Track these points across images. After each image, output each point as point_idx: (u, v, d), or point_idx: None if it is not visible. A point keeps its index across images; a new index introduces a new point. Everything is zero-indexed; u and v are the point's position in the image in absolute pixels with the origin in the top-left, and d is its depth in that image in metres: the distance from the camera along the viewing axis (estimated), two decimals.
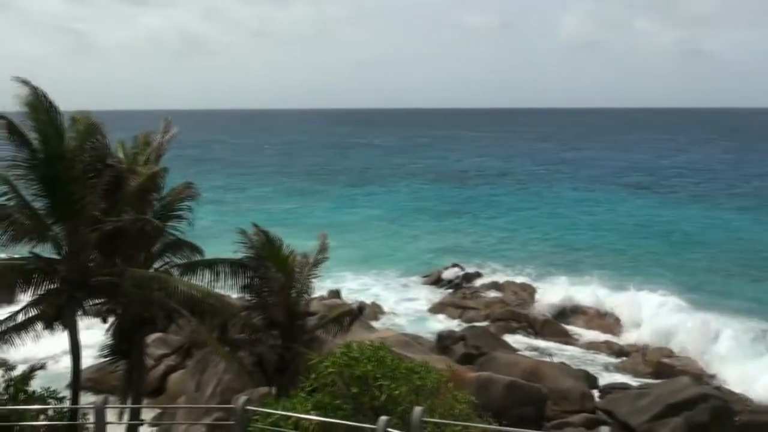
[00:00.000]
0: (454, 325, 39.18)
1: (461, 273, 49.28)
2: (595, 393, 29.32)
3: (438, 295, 46.35)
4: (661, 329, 36.28)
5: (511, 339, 36.47)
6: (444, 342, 33.74)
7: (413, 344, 30.09)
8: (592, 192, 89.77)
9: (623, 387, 29.68)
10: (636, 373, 32.84)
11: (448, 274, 49.58)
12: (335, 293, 41.82)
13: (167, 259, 19.46)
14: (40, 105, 16.58)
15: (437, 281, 49.11)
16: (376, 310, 41.08)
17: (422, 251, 57.93)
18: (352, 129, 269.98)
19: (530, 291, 44.52)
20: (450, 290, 47.01)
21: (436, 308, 43.16)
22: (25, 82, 16.46)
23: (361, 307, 23.67)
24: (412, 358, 18.03)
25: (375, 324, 36.59)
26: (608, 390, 29.60)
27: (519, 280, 47.00)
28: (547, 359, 32.84)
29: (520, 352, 33.54)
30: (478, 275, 48.89)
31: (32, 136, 16.64)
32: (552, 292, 42.67)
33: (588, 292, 42.20)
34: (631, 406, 26.26)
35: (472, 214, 75.20)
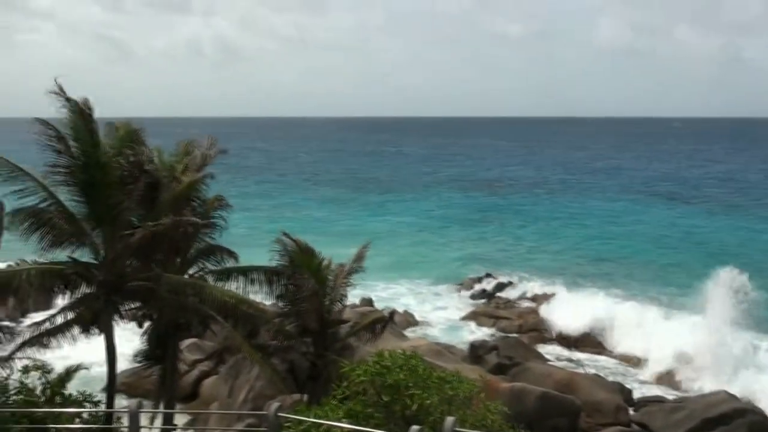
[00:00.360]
0: (487, 334, 38.99)
1: (493, 282, 49.12)
2: (630, 406, 28.89)
3: (470, 304, 46.20)
4: (692, 345, 35.49)
5: (544, 350, 36.20)
6: (476, 352, 33.54)
7: (445, 353, 29.96)
8: (623, 202, 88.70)
9: (658, 400, 29.24)
10: (671, 386, 32.34)
11: (480, 283, 49.47)
12: (367, 301, 41.82)
13: (202, 265, 19.68)
14: (78, 112, 16.89)
15: (469, 290, 48.97)
16: (408, 319, 41.02)
17: (453, 260, 57.78)
18: (385, 137, 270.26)
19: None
20: (482, 299, 46.84)
21: (468, 317, 42.99)
22: (62, 91, 16.79)
23: (393, 315, 23.66)
24: (444, 367, 17.95)
25: (407, 332, 36.54)
26: (643, 403, 29.14)
27: (550, 290, 46.57)
28: (581, 371, 32.50)
29: (553, 363, 33.23)
30: (510, 285, 48.66)
31: (71, 142, 16.98)
32: (584, 303, 42.17)
33: (621, 304, 41.64)
34: (666, 419, 25.84)
35: (502, 223, 74.80)
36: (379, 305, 41.13)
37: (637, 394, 30.67)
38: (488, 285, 48.89)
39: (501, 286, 48.45)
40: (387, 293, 47.52)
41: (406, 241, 64.79)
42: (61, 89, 16.81)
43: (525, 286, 48.25)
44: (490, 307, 44.40)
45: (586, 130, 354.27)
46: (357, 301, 40.25)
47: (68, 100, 16.87)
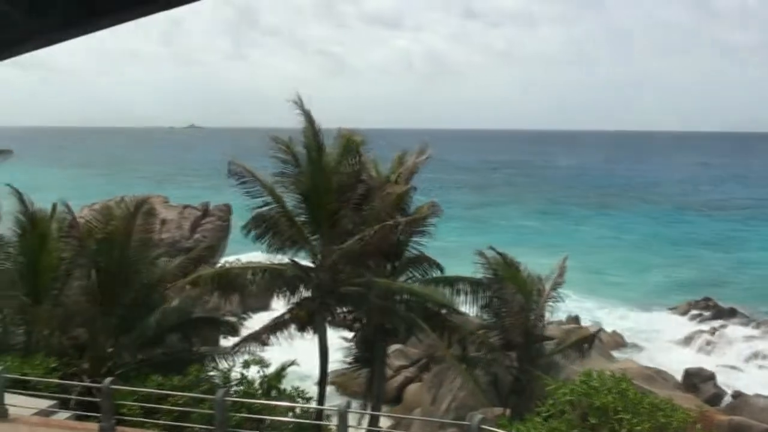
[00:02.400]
0: (703, 362, 36.47)
1: (712, 307, 45.83)
2: None
3: (686, 328, 43.40)
4: None
5: None
6: (691, 380, 31.54)
7: (656, 379, 28.47)
8: None
9: None
10: None
11: (698, 308, 46.30)
12: (574, 318, 40.69)
13: (410, 274, 20.14)
14: (308, 124, 18.11)
15: (684, 314, 46.04)
16: (617, 339, 39.39)
17: (666, 281, 54.65)
18: (607, 152, 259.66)
19: None
20: (700, 326, 43.84)
21: (683, 343, 40.47)
22: (300, 102, 18.12)
23: (599, 335, 22.84)
24: (655, 393, 17.05)
25: (615, 353, 35.09)
26: None
27: None
28: None
29: None
30: (732, 313, 45.10)
31: (300, 149, 18.24)
32: None
33: None
34: None
35: (720, 245, 69.36)
36: (585, 323, 39.88)
37: None
38: (707, 311, 45.69)
39: (721, 313, 45.08)
40: (594, 311, 45.94)
41: (616, 258, 62.21)
42: (300, 100, 18.16)
43: (748, 314, 44.60)
44: (707, 333, 41.50)
45: None
46: (563, 317, 39.28)
47: (303, 110, 18.14)
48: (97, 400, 13.57)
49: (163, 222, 40.21)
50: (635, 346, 39.68)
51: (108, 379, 13.24)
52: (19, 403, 13.49)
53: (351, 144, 18.54)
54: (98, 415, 13.22)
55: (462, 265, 21.39)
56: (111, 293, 17.34)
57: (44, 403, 14.18)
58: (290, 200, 18.55)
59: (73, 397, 15.36)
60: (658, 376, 29.65)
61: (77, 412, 14.51)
